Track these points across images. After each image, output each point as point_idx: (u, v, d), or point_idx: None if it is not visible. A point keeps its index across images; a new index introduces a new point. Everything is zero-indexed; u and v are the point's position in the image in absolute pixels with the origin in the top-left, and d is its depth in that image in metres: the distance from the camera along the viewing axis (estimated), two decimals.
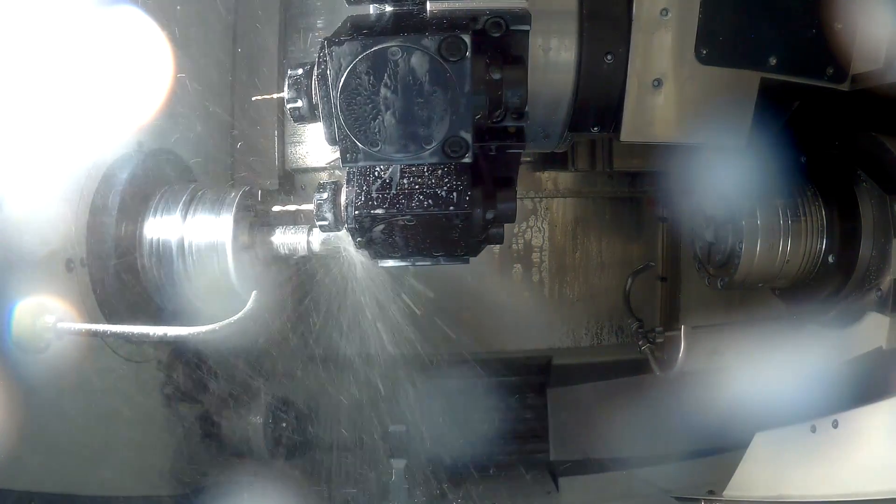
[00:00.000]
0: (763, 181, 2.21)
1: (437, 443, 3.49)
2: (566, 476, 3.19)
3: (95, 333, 1.85)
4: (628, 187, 3.29)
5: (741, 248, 2.20)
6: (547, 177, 3.30)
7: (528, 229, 3.34)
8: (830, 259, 2.20)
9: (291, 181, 3.28)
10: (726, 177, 2.21)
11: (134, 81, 1.99)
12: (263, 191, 2.98)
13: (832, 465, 1.91)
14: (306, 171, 3.30)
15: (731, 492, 2.31)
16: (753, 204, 2.20)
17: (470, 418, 3.53)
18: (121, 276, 1.98)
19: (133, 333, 1.91)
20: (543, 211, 3.34)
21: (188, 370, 2.34)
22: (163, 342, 2.13)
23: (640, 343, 2.53)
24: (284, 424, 2.68)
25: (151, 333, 1.85)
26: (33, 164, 1.73)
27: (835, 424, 1.90)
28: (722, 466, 2.50)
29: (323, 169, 3.30)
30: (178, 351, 2.30)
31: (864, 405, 1.84)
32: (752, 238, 2.19)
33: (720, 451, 2.78)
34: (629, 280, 2.68)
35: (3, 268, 1.65)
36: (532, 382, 3.70)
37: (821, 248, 2.21)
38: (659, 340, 2.61)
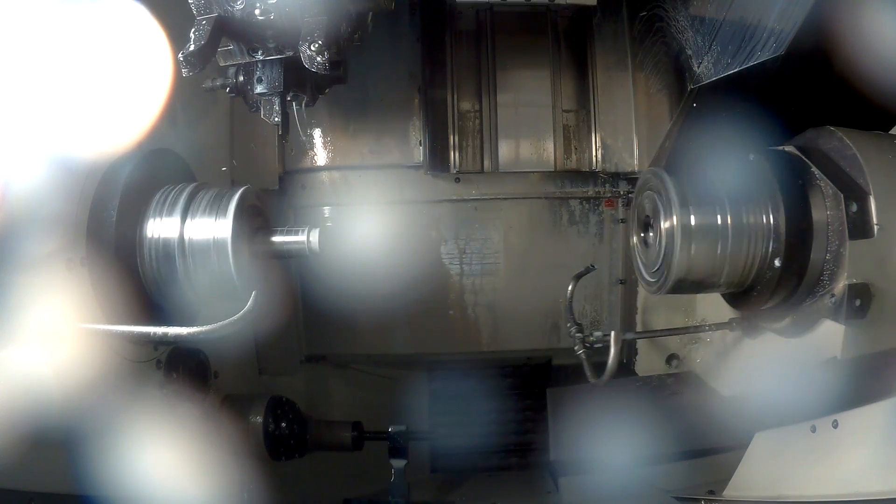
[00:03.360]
0: (703, 180, 2.12)
1: (437, 443, 3.50)
2: (566, 476, 3.19)
3: (95, 333, 1.85)
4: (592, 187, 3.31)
5: (672, 251, 2.07)
6: (511, 177, 3.30)
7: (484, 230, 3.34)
8: (777, 263, 2.06)
9: (291, 181, 3.29)
10: (663, 175, 2.13)
11: (134, 81, 1.99)
12: (263, 190, 2.99)
13: (832, 465, 1.91)
14: (306, 170, 3.31)
15: (731, 492, 2.30)
16: (687, 204, 2.07)
17: (470, 418, 3.54)
18: (121, 276, 1.97)
19: (133, 333, 1.91)
20: (500, 212, 3.34)
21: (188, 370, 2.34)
22: (163, 342, 2.13)
23: (576, 348, 2.41)
24: (284, 424, 2.68)
25: (151, 333, 1.85)
26: (33, 164, 1.73)
27: (835, 424, 1.90)
28: (722, 466, 2.50)
29: (323, 168, 3.31)
30: (178, 351, 2.30)
31: (864, 405, 1.83)
32: (685, 240, 2.05)
33: (720, 451, 2.78)
34: (572, 283, 2.60)
35: (2, 267, 1.65)
36: (532, 382, 3.71)
37: (766, 251, 2.07)
38: (598, 346, 2.47)
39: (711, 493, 2.47)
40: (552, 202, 3.31)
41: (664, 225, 2.11)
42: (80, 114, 1.84)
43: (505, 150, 3.26)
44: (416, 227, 3.32)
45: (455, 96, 3.25)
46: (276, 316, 2.18)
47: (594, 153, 3.22)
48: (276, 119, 2.18)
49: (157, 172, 2.16)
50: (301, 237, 2.15)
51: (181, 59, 1.86)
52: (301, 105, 2.29)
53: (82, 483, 1.80)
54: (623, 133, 3.17)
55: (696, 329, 2.69)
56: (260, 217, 2.21)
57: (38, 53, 1.75)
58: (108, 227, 1.96)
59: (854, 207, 1.94)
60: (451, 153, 3.24)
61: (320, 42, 1.90)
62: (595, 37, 3.22)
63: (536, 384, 3.65)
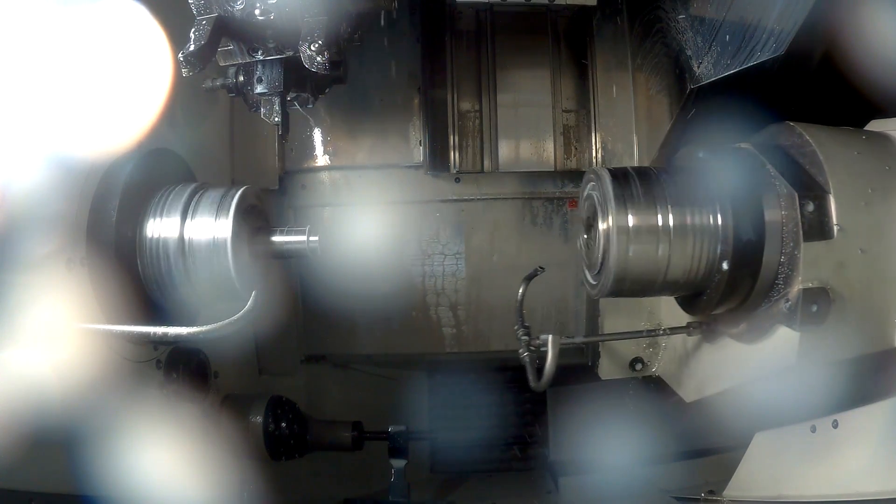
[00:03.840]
0: (651, 179, 2.03)
1: (437, 443, 3.50)
2: (566, 476, 3.19)
3: (95, 333, 1.85)
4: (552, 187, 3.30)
5: (609, 253, 1.97)
6: (511, 177, 3.30)
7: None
8: (724, 266, 1.93)
9: (291, 181, 3.29)
10: (602, 174, 2.05)
11: (134, 81, 1.99)
12: (263, 190, 2.99)
13: (832, 465, 1.91)
14: (306, 170, 3.31)
15: (731, 492, 2.30)
16: (625, 204, 1.97)
17: (470, 418, 3.54)
18: (121, 276, 1.97)
19: (133, 333, 1.91)
20: (500, 212, 3.33)
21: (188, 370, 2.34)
22: (163, 342, 2.13)
23: (520, 351, 2.31)
24: (284, 424, 2.67)
25: (151, 333, 1.85)
26: (33, 164, 1.73)
27: (835, 424, 1.89)
28: (722, 466, 2.51)
29: (323, 168, 3.31)
30: (178, 351, 2.30)
31: (864, 405, 1.83)
32: (622, 241, 1.95)
33: (720, 451, 2.79)
34: (522, 285, 2.51)
35: (2, 267, 1.65)
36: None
37: (714, 253, 1.95)
38: (543, 349, 2.35)
39: (711, 493, 2.47)
40: (552, 202, 3.31)
41: (601, 226, 2.01)
42: (80, 114, 1.84)
43: (505, 150, 3.26)
44: (416, 227, 3.32)
45: (455, 96, 3.25)
46: (276, 316, 2.19)
47: (594, 153, 3.21)
48: (276, 119, 2.18)
49: (157, 172, 2.16)
50: (301, 237, 2.15)
51: (181, 59, 1.87)
52: (307, 104, 2.30)
53: (82, 483, 1.80)
54: (623, 133, 3.17)
55: (650, 333, 2.62)
56: (260, 217, 2.21)
57: (38, 53, 1.75)
58: (108, 227, 1.96)
59: (810, 207, 1.84)
60: (451, 153, 3.24)
61: (320, 42, 1.90)
62: (595, 37, 3.22)
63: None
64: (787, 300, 1.87)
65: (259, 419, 2.60)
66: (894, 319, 1.87)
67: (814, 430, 1.97)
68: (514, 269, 3.32)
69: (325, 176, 3.32)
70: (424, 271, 3.34)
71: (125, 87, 1.95)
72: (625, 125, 3.17)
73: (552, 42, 3.31)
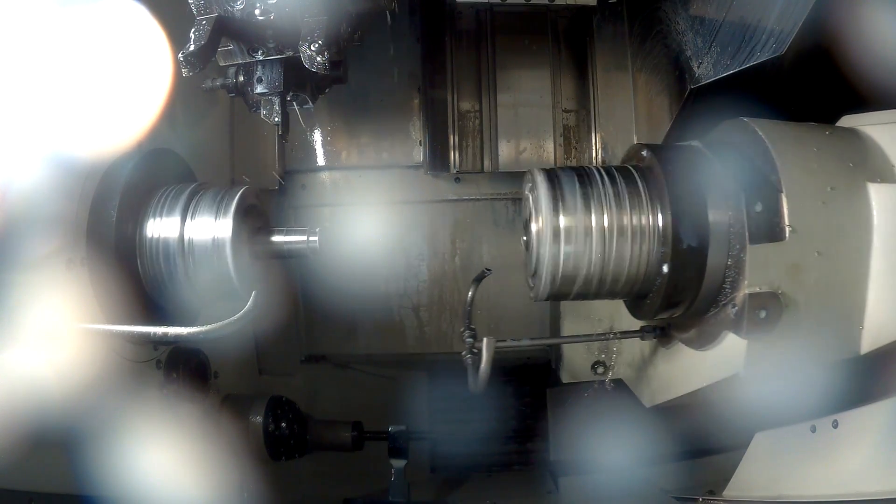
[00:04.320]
0: (590, 179, 1.94)
1: (437, 443, 3.50)
2: (566, 476, 3.19)
3: (95, 333, 1.85)
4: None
5: (542, 255, 1.90)
6: (511, 177, 3.29)
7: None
8: (665, 269, 1.83)
9: (291, 181, 3.29)
10: (535, 173, 1.98)
11: (134, 81, 1.99)
12: (263, 190, 2.99)
13: (832, 465, 1.90)
14: (306, 170, 3.31)
15: (731, 492, 2.30)
16: (558, 205, 1.89)
17: (470, 418, 3.54)
18: (121, 276, 1.97)
19: (133, 333, 1.91)
20: (500, 212, 3.34)
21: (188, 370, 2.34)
22: (163, 342, 2.13)
23: (463, 353, 2.26)
24: (284, 424, 2.68)
25: (151, 333, 1.85)
26: (33, 164, 1.73)
27: (835, 424, 1.89)
28: (722, 466, 2.50)
29: (323, 168, 3.31)
30: (177, 351, 2.30)
31: (864, 405, 1.83)
32: (555, 243, 1.87)
33: (720, 451, 2.79)
34: (472, 288, 2.43)
35: (2, 267, 1.65)
36: (532, 382, 3.71)
37: (655, 255, 1.86)
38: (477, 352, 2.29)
39: (711, 493, 2.47)
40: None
41: (534, 227, 1.93)
42: (80, 114, 1.84)
43: (505, 150, 3.26)
44: (416, 227, 3.32)
45: (455, 96, 3.25)
46: (276, 316, 2.18)
47: (594, 153, 3.22)
48: (276, 119, 2.18)
49: (157, 172, 2.16)
50: (301, 237, 2.15)
51: (181, 59, 1.87)
52: (307, 105, 2.30)
53: (82, 483, 1.80)
54: (623, 133, 3.17)
55: (600, 337, 2.53)
56: (260, 217, 2.21)
57: (38, 53, 1.75)
58: (108, 227, 1.96)
59: (758, 207, 1.75)
60: (451, 153, 3.24)
61: (320, 42, 1.90)
62: (595, 37, 3.22)
63: (536, 384, 3.65)
64: (734, 305, 1.78)
65: (259, 419, 2.60)
66: (860, 326, 1.77)
67: (814, 430, 1.96)
68: (514, 268, 3.31)
69: (324, 176, 3.32)
70: (424, 271, 3.34)
71: (125, 87, 1.95)
72: (625, 125, 3.17)
73: (552, 42, 3.31)
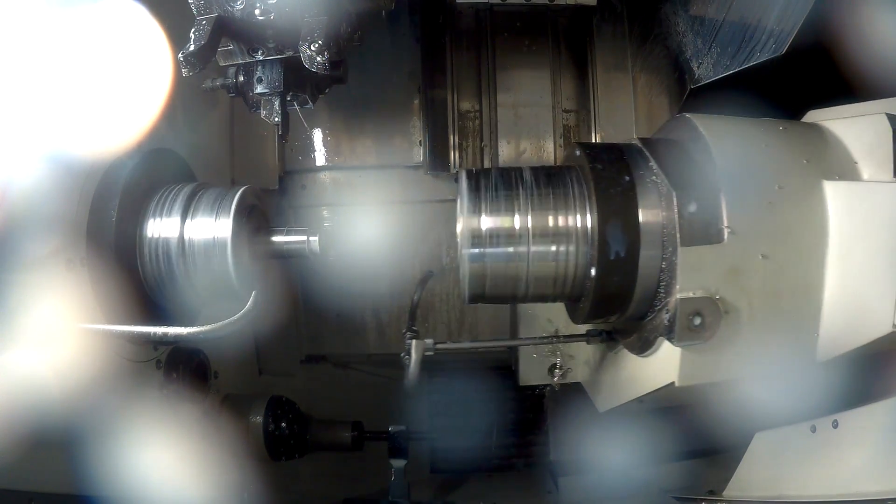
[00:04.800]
0: (518, 179, 1.87)
1: (437, 443, 3.50)
2: (566, 476, 3.19)
3: (95, 333, 1.85)
4: None
5: (460, 255, 1.82)
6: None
7: None
8: (593, 272, 1.74)
9: (291, 181, 3.29)
10: (461, 174, 1.91)
11: (134, 81, 1.99)
12: (263, 190, 2.99)
13: (832, 465, 1.90)
14: (306, 170, 3.31)
15: (731, 492, 2.30)
16: (479, 206, 1.83)
17: (470, 418, 3.53)
18: (121, 276, 1.97)
19: (133, 333, 1.91)
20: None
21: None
22: (163, 342, 2.13)
23: (402, 354, 2.24)
24: (284, 424, 2.67)
25: (151, 333, 1.85)
26: (33, 164, 1.73)
27: (835, 424, 1.89)
28: (722, 466, 2.50)
29: (323, 168, 3.31)
30: (177, 351, 2.30)
31: (864, 405, 1.83)
32: (475, 245, 1.80)
33: (720, 451, 2.78)
34: (418, 290, 2.42)
35: (2, 267, 1.65)
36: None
37: (583, 258, 1.78)
38: (428, 353, 2.27)
39: (711, 493, 2.47)
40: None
41: (457, 228, 1.87)
42: (80, 114, 1.84)
43: (505, 150, 3.26)
44: (417, 227, 3.32)
45: (455, 96, 3.25)
46: (276, 316, 2.18)
47: None
48: (276, 119, 2.18)
49: (157, 172, 2.16)
50: (301, 237, 2.16)
51: (181, 59, 1.87)
52: (307, 105, 2.30)
53: (82, 483, 1.80)
54: (623, 133, 3.17)
55: (543, 340, 2.47)
56: (260, 217, 2.21)
57: (38, 53, 1.75)
58: (108, 227, 1.96)
59: (692, 207, 1.64)
60: (451, 153, 3.24)
61: (320, 42, 1.90)
62: (595, 37, 3.22)
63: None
64: (668, 311, 1.68)
65: (259, 419, 2.60)
66: (815, 334, 1.68)
67: (814, 430, 1.96)
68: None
69: (324, 176, 3.32)
70: (424, 271, 3.34)
71: (125, 87, 1.95)
72: (625, 126, 3.17)
73: (552, 42, 3.31)
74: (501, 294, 1.89)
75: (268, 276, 2.16)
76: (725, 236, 1.63)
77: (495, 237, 1.80)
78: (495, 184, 1.87)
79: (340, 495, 3.01)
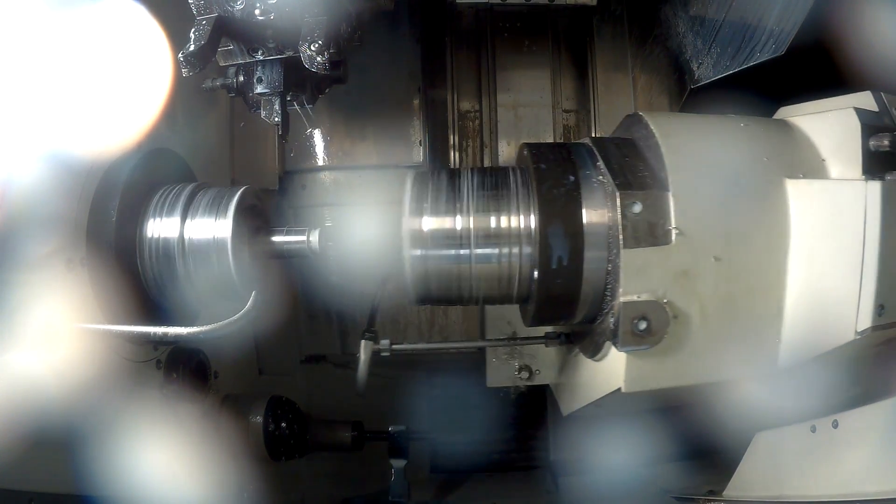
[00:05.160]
0: (465, 179, 1.84)
1: (437, 443, 3.50)
2: (566, 476, 3.19)
3: (95, 333, 1.85)
4: None
5: (403, 256, 1.80)
6: None
7: None
8: (535, 275, 1.70)
9: (291, 181, 3.29)
10: (407, 175, 1.90)
11: (134, 81, 1.99)
12: (263, 190, 2.99)
13: (832, 465, 1.90)
14: (306, 170, 3.31)
15: (731, 492, 2.30)
16: (422, 207, 1.80)
17: (470, 418, 3.53)
18: (121, 276, 1.97)
19: (133, 333, 1.91)
20: None
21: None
22: (163, 342, 2.13)
23: (359, 355, 2.24)
24: (284, 424, 2.67)
25: (151, 333, 1.85)
26: (33, 164, 1.73)
27: (835, 424, 1.88)
28: (722, 466, 2.50)
29: (323, 168, 3.31)
30: (178, 351, 2.30)
31: (864, 405, 1.83)
32: (415, 246, 1.78)
33: (720, 451, 2.79)
34: (378, 291, 2.40)
35: (2, 267, 1.65)
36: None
37: (526, 260, 1.73)
38: (385, 354, 2.31)
39: (711, 493, 2.47)
40: None
41: (402, 229, 1.85)
42: (80, 114, 1.84)
43: (505, 150, 3.26)
44: None
45: (455, 96, 3.25)
46: (276, 316, 2.18)
47: None
48: (276, 119, 2.18)
49: (157, 172, 2.16)
50: (301, 237, 2.15)
51: (181, 59, 1.87)
52: (306, 105, 2.30)
53: (82, 483, 1.80)
54: None
55: (498, 342, 2.43)
56: (260, 217, 2.21)
57: (38, 53, 1.75)
58: (108, 227, 1.96)
59: (636, 208, 1.58)
60: (451, 153, 3.24)
61: (320, 42, 1.90)
62: (595, 37, 3.23)
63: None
64: (613, 315, 1.62)
65: (259, 419, 2.60)
66: (776, 340, 1.63)
67: (814, 430, 1.96)
68: None
69: (324, 176, 3.32)
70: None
71: (125, 87, 1.95)
72: None
73: (552, 42, 3.31)
74: (448, 295, 1.85)
75: (268, 276, 2.16)
76: (673, 238, 1.57)
77: (437, 239, 1.77)
78: (440, 185, 1.85)
79: (340, 495, 3.01)
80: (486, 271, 1.77)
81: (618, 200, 1.60)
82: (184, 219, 2.04)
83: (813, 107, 1.83)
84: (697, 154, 1.68)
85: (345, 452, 2.89)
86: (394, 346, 2.22)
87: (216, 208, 2.04)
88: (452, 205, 1.79)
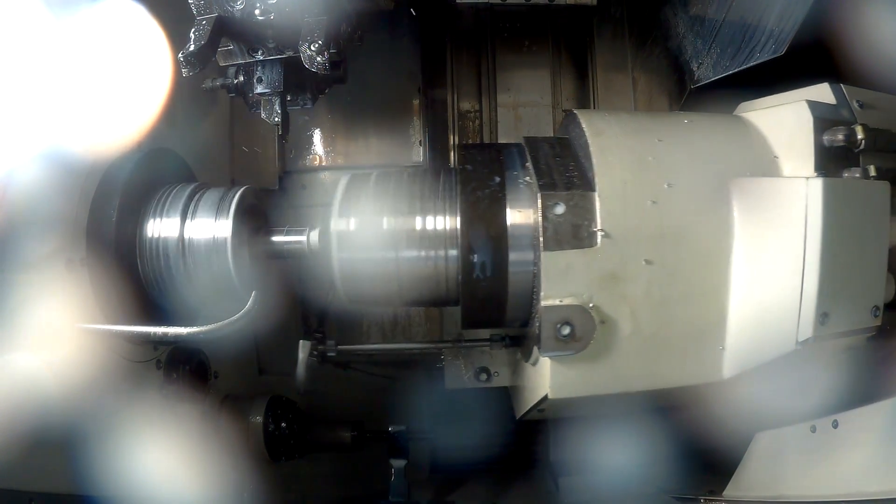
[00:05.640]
0: (395, 181, 1.81)
1: (437, 443, 3.50)
2: (566, 476, 3.19)
3: (95, 333, 1.85)
4: None
5: (331, 257, 1.80)
6: None
7: None
8: (459, 278, 1.66)
9: (291, 181, 3.29)
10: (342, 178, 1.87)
11: (134, 81, 1.99)
12: (263, 190, 2.99)
13: (832, 465, 1.90)
14: (306, 170, 3.31)
15: (731, 492, 2.30)
16: (349, 209, 1.78)
17: (470, 418, 3.53)
18: (121, 276, 1.97)
19: (133, 333, 1.91)
20: None
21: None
22: (163, 342, 2.13)
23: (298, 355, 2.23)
24: (284, 424, 2.67)
25: (151, 333, 1.85)
26: (33, 164, 1.73)
27: (835, 424, 1.88)
28: (722, 466, 2.50)
29: (323, 168, 3.31)
30: (177, 351, 2.30)
31: (864, 405, 1.83)
32: (342, 248, 1.76)
33: (720, 451, 2.79)
34: (328, 293, 2.39)
35: (2, 267, 1.65)
36: None
37: (450, 262, 1.69)
38: (331, 355, 2.32)
39: (711, 493, 2.47)
40: None
41: (331, 231, 1.83)
42: (80, 114, 1.84)
43: None
44: None
45: (455, 96, 3.25)
46: (276, 316, 2.18)
47: None
48: (276, 119, 2.18)
49: (157, 172, 2.16)
50: (301, 237, 2.15)
51: (181, 59, 1.87)
52: (307, 105, 2.30)
53: (82, 483, 1.80)
54: None
55: (444, 344, 2.40)
56: (260, 217, 2.21)
57: (39, 53, 1.75)
58: (108, 227, 1.96)
59: (559, 209, 1.52)
60: (451, 153, 3.24)
61: (320, 42, 1.90)
62: (595, 37, 3.22)
63: None
64: (538, 319, 1.55)
65: (259, 419, 2.60)
66: (719, 347, 1.56)
67: (814, 430, 1.96)
68: None
69: (324, 176, 3.32)
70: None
71: (125, 87, 1.95)
72: None
73: (552, 42, 3.31)
74: (378, 297, 1.83)
75: (268, 276, 2.16)
76: (599, 240, 1.51)
77: (364, 240, 1.75)
78: (370, 187, 1.83)
79: (340, 495, 3.01)
80: (414, 274, 1.74)
81: (538, 201, 1.54)
82: (184, 219, 2.04)
83: (771, 101, 1.74)
84: (629, 153, 1.60)
85: (345, 452, 2.89)
86: (339, 347, 2.23)
87: (216, 208, 2.04)
88: (381, 206, 1.76)
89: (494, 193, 1.65)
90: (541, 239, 1.53)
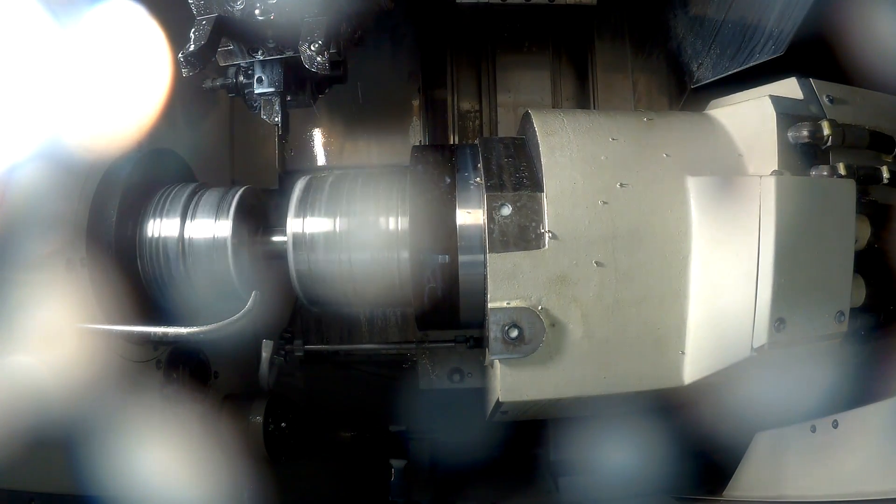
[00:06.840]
0: (350, 183, 1.80)
1: (437, 442, 3.50)
2: (566, 476, 3.19)
3: (95, 333, 1.85)
4: None
5: (288, 259, 1.79)
6: None
7: None
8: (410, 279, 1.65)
9: (291, 181, 3.29)
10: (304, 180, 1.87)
11: (134, 81, 1.99)
12: (263, 190, 2.99)
13: (832, 465, 1.90)
14: (306, 170, 3.31)
15: (731, 492, 2.30)
16: (304, 210, 1.79)
17: (470, 418, 3.53)
18: (121, 276, 1.97)
19: (133, 333, 1.91)
20: None
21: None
22: (163, 342, 2.13)
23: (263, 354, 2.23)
24: (284, 424, 2.67)
25: (151, 333, 1.85)
26: (33, 164, 1.73)
27: (835, 424, 1.88)
28: (722, 466, 2.50)
29: (322, 168, 3.31)
30: (178, 351, 2.30)
31: (864, 405, 1.83)
32: (298, 250, 1.76)
33: (720, 451, 2.79)
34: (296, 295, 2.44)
35: (2, 267, 1.65)
36: None
37: (402, 263, 1.68)
38: (298, 354, 2.31)
39: (711, 493, 2.47)
40: None
41: (287, 232, 1.83)
42: (80, 114, 1.84)
43: None
44: None
45: (455, 96, 3.25)
46: (276, 316, 2.18)
47: None
48: (276, 119, 2.18)
49: (157, 172, 2.16)
50: None
51: (181, 59, 1.87)
52: (307, 105, 2.30)
53: (82, 483, 1.80)
54: None
55: (409, 345, 2.39)
56: (260, 217, 2.21)
57: (39, 53, 1.75)
58: (108, 227, 1.96)
59: (505, 210, 1.49)
60: None
61: (320, 42, 1.90)
62: (595, 37, 3.22)
63: None
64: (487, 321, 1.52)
65: (259, 419, 2.60)
66: (679, 351, 1.51)
67: (814, 430, 1.96)
68: None
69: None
70: None
71: (125, 87, 1.95)
72: None
73: (552, 42, 3.31)
74: (335, 299, 1.81)
75: (268, 275, 2.16)
76: (547, 242, 1.48)
77: (317, 241, 1.74)
78: (324, 188, 1.83)
79: (340, 495, 3.00)
80: (367, 275, 1.73)
81: (485, 203, 1.50)
82: (184, 219, 2.04)
83: (739, 97, 1.69)
84: (581, 153, 1.56)
85: (345, 452, 2.89)
86: (307, 347, 2.27)
87: (216, 208, 2.04)
88: (334, 208, 1.75)
89: (445, 194, 1.63)
90: (486, 240, 1.50)
